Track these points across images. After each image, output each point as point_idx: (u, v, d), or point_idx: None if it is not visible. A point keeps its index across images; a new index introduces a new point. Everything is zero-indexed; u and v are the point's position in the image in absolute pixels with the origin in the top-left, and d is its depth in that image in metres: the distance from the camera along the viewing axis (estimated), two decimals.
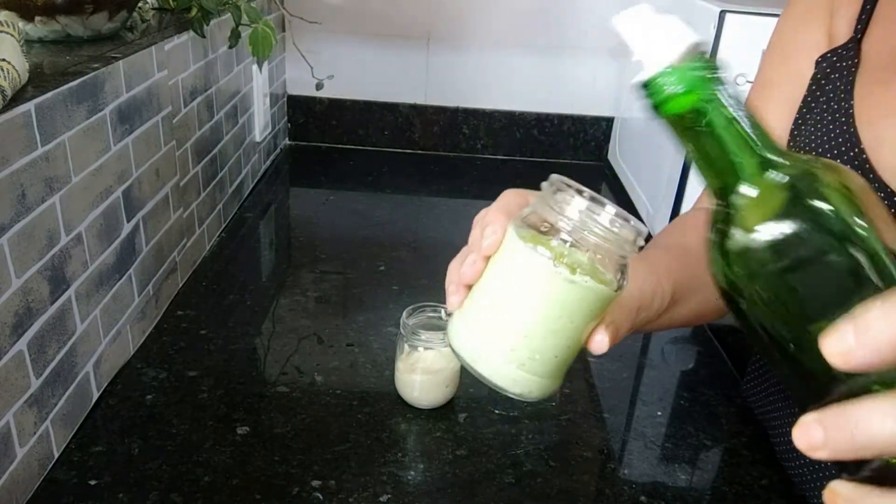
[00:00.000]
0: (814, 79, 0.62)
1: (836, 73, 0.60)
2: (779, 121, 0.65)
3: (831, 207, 0.32)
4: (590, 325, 0.42)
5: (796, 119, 0.62)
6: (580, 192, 0.40)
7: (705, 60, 0.34)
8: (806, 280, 0.32)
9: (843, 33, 0.61)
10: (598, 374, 0.82)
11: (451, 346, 0.44)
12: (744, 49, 0.96)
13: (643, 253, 0.54)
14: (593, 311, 0.41)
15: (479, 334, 0.42)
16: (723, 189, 0.35)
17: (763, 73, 0.69)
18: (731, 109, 0.34)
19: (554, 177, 0.42)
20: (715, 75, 0.34)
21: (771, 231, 0.32)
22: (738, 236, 0.33)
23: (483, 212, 0.46)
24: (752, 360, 0.76)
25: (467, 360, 0.43)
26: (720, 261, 0.34)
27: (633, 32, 0.36)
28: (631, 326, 0.47)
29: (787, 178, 0.33)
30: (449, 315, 0.46)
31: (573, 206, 0.40)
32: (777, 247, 0.32)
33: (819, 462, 0.61)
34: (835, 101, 0.59)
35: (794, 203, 0.33)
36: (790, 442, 0.64)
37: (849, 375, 0.30)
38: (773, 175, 0.34)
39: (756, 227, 0.33)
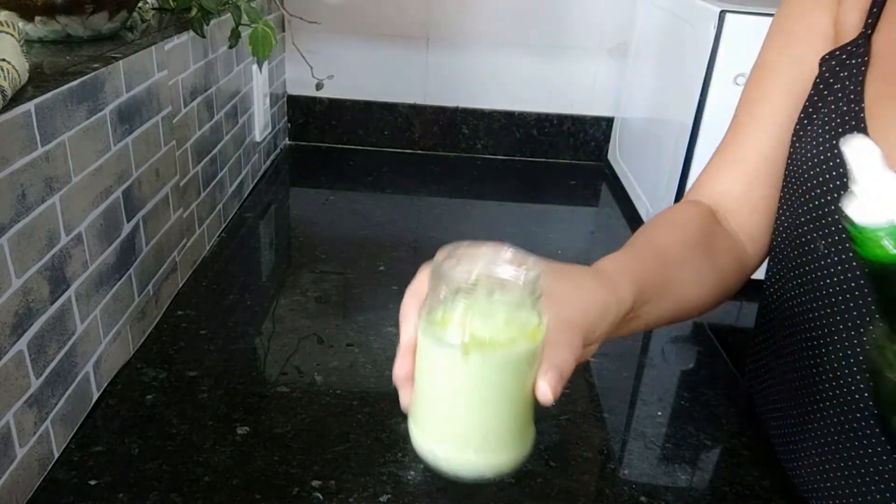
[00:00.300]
0: (821, 77, 0.59)
1: (845, 71, 0.57)
2: (778, 108, 0.63)
3: None
4: (528, 378, 0.40)
5: (801, 119, 0.60)
6: (458, 261, 0.40)
7: None
8: None
9: (851, 25, 0.58)
10: (598, 374, 0.82)
11: (414, 446, 0.44)
12: (744, 49, 0.95)
13: (608, 256, 0.53)
14: (522, 369, 0.40)
15: (429, 433, 0.43)
16: None
17: (764, 56, 0.66)
18: None
19: (438, 254, 0.42)
20: None
21: None
22: None
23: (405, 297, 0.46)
24: (749, 360, 0.75)
25: (430, 463, 0.43)
26: None
27: (863, 166, 0.37)
28: (584, 349, 0.45)
29: None
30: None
31: (455, 279, 0.39)
32: None
33: (819, 462, 0.61)
34: (844, 101, 0.56)
35: None
36: (791, 442, 0.65)
37: None
38: None
39: None
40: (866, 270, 0.37)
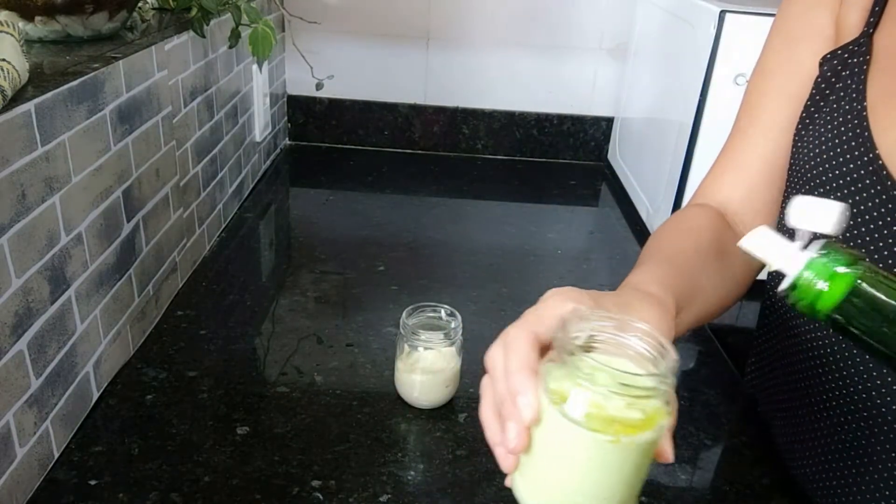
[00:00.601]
0: (822, 76, 0.59)
1: (847, 70, 0.57)
2: (778, 111, 0.63)
3: None
4: (652, 454, 0.40)
5: (803, 118, 0.60)
6: (591, 348, 0.39)
7: (836, 248, 0.35)
8: None
9: (853, 24, 0.58)
10: None
11: None
12: (744, 49, 0.96)
13: (641, 272, 0.53)
14: (652, 450, 0.40)
15: (551, 499, 0.41)
16: None
17: (763, 58, 0.66)
18: (886, 280, 0.35)
19: (559, 335, 0.40)
20: (852, 257, 0.35)
21: None
22: None
23: (497, 355, 0.42)
24: (752, 360, 0.75)
25: None
26: None
27: (762, 249, 0.38)
28: None
29: None
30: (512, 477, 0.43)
31: (592, 374, 0.38)
32: None
33: (825, 461, 0.61)
34: (846, 101, 0.56)
35: None
36: (796, 441, 0.64)
37: None
38: None
39: None
40: (843, 329, 0.36)
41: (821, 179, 0.57)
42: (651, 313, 0.46)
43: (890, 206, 0.52)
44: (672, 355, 0.39)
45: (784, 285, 0.37)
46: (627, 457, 0.39)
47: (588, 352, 0.39)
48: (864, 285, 0.35)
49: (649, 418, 0.38)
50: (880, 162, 0.52)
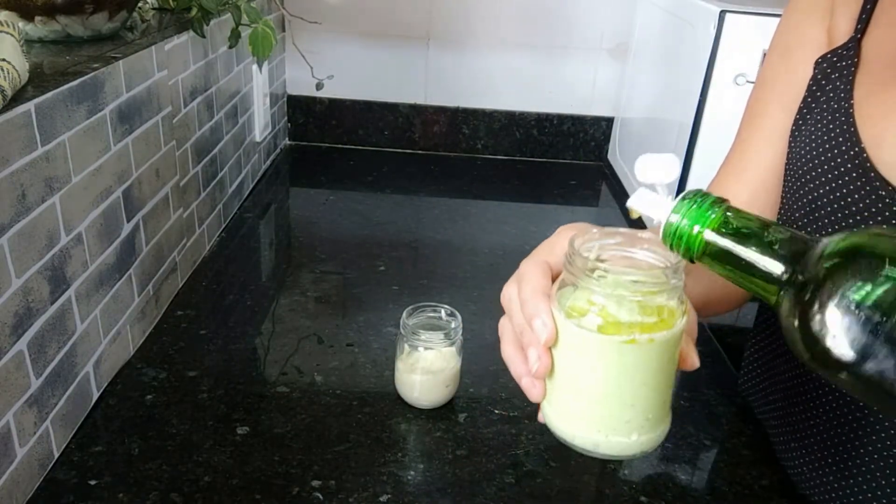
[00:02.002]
0: (814, 79, 0.62)
1: (836, 72, 0.60)
2: (777, 119, 0.65)
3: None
4: (678, 352, 0.43)
5: (796, 119, 0.62)
6: (598, 256, 0.41)
7: (697, 195, 0.38)
8: None
9: (843, 32, 0.61)
10: None
11: (560, 437, 0.44)
12: (744, 49, 0.96)
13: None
14: (675, 349, 0.42)
15: (588, 422, 0.42)
16: (779, 285, 0.36)
17: (763, 70, 0.69)
18: (744, 219, 0.37)
19: (568, 254, 0.42)
20: (711, 202, 0.38)
21: (861, 290, 0.33)
22: (829, 308, 0.34)
23: (511, 290, 0.44)
24: (745, 361, 0.76)
25: (589, 449, 0.43)
26: (820, 338, 0.34)
27: (644, 205, 0.40)
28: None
29: (843, 242, 0.35)
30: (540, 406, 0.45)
31: (598, 277, 0.40)
32: (872, 301, 0.32)
33: (821, 458, 0.61)
34: (835, 100, 0.59)
35: (862, 257, 0.34)
36: (792, 440, 0.65)
37: None
38: (826, 245, 0.35)
39: (841, 294, 0.33)
40: (722, 270, 0.39)
41: (811, 175, 0.59)
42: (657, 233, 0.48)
43: (874, 196, 0.55)
44: (679, 258, 0.41)
45: (661, 233, 0.39)
46: (647, 358, 0.41)
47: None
48: (729, 216, 0.38)
49: (664, 321, 0.40)
50: (865, 155, 0.55)
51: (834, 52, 0.61)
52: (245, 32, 0.98)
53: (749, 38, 0.95)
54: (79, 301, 0.66)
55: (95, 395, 0.71)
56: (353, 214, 1.20)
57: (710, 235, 0.38)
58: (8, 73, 0.54)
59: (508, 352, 0.44)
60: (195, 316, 0.87)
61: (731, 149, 0.70)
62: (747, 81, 0.96)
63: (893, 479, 0.56)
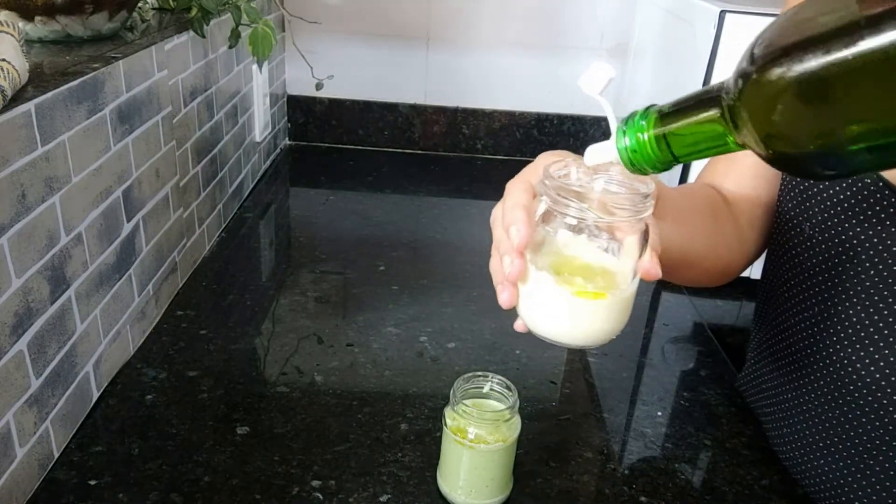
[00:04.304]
0: None
1: None
2: None
3: None
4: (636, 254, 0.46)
5: None
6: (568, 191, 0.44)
7: (629, 117, 0.41)
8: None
9: None
10: (598, 374, 0.82)
11: (536, 333, 0.48)
12: (744, 49, 0.96)
13: None
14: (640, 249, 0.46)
15: (560, 321, 0.46)
16: (728, 122, 0.37)
17: None
18: (669, 104, 0.40)
19: (542, 181, 0.45)
20: (640, 113, 0.40)
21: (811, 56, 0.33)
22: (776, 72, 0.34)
23: (497, 210, 0.48)
24: (748, 357, 0.76)
25: (567, 342, 0.47)
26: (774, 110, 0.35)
27: (598, 156, 0.44)
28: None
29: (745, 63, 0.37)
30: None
31: (571, 205, 0.43)
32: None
33: (820, 448, 0.62)
34: None
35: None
36: (790, 433, 0.65)
37: None
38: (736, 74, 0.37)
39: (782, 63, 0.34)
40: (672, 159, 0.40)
41: None
42: None
43: (865, 193, 0.55)
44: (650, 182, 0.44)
45: (624, 168, 0.42)
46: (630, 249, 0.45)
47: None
48: (660, 109, 0.40)
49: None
50: None
51: None
52: (245, 32, 0.98)
53: (749, 38, 0.95)
54: (79, 301, 0.66)
55: (95, 395, 0.71)
56: (353, 214, 1.20)
57: (657, 131, 0.39)
58: (8, 73, 0.54)
59: (492, 264, 0.48)
60: (195, 316, 0.87)
61: None
62: None
63: (892, 472, 0.57)
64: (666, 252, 0.53)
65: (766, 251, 0.70)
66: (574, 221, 0.44)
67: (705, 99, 0.38)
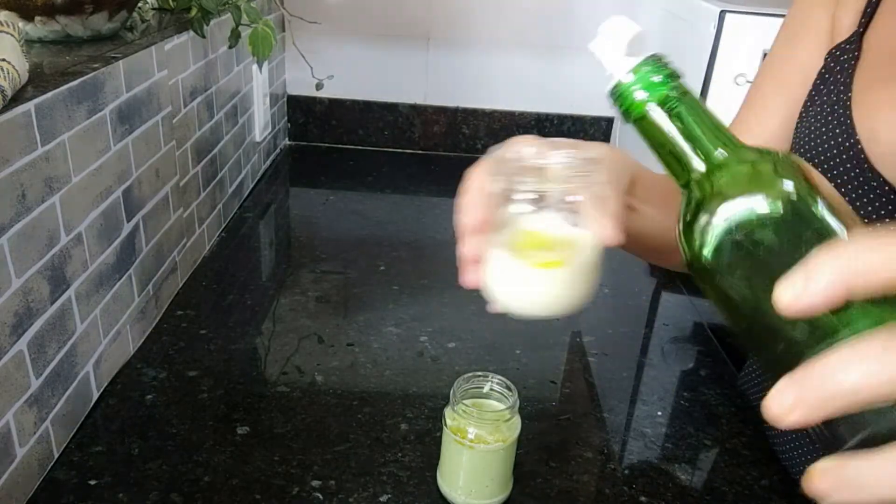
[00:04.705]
0: (819, 73, 0.63)
1: (838, 66, 0.61)
2: (778, 107, 0.66)
3: (792, 183, 0.34)
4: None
5: (805, 103, 0.64)
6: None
7: (656, 64, 0.38)
8: (771, 249, 0.34)
9: (847, 25, 0.62)
10: (598, 374, 0.82)
11: (506, 310, 0.50)
12: (744, 49, 0.96)
13: None
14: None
15: (521, 293, 0.48)
16: (690, 178, 0.37)
17: (770, 55, 0.70)
18: (687, 105, 0.38)
19: (495, 162, 0.47)
20: (667, 75, 0.38)
21: (739, 206, 0.34)
22: (708, 216, 0.35)
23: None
24: (750, 355, 0.76)
25: (531, 314, 0.49)
26: (693, 241, 0.36)
27: (603, 50, 0.41)
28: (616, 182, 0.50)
29: (750, 158, 0.36)
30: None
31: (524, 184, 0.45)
32: (745, 221, 0.34)
33: (817, 458, 0.61)
34: (835, 93, 0.60)
35: (758, 180, 0.35)
36: (787, 441, 0.65)
37: (816, 341, 0.31)
38: (734, 157, 0.36)
39: (725, 205, 0.35)
40: (646, 136, 0.40)
41: (812, 163, 0.60)
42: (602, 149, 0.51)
43: (867, 187, 0.56)
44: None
45: (609, 87, 0.40)
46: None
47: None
48: (674, 94, 0.38)
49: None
50: (860, 147, 0.56)
51: (838, 46, 0.62)
52: (245, 32, 0.98)
53: (749, 38, 0.95)
54: (79, 301, 0.66)
55: (95, 395, 0.71)
56: (353, 214, 1.20)
57: (653, 109, 0.38)
58: (8, 73, 0.54)
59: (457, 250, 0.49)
60: (195, 316, 0.87)
61: (735, 117, 0.71)
62: (747, 81, 0.96)
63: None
64: (649, 237, 0.54)
65: None
66: (528, 196, 0.45)
67: (700, 155, 0.37)
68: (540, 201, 0.45)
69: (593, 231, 0.45)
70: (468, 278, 0.49)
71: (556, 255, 0.46)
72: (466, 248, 0.48)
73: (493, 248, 0.47)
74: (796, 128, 0.63)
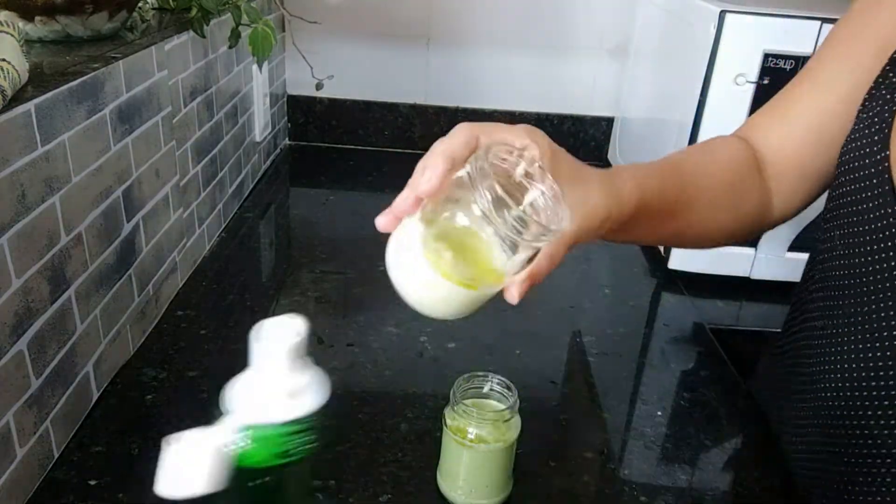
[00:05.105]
0: (882, 71, 0.59)
1: (894, 73, 0.58)
2: (813, 102, 0.63)
3: None
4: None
5: (858, 109, 0.60)
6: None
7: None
8: None
9: None
10: (598, 374, 0.82)
11: (389, 273, 0.49)
12: (744, 49, 0.96)
13: (627, 165, 0.57)
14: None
15: (409, 281, 0.48)
16: None
17: (818, 53, 0.66)
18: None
19: (481, 153, 0.44)
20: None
21: None
22: None
23: (435, 145, 0.47)
24: (762, 361, 0.75)
25: (403, 298, 0.48)
26: None
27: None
28: (572, 244, 0.49)
29: None
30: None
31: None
32: None
33: (830, 466, 0.60)
34: (883, 101, 0.57)
35: None
36: (799, 443, 0.64)
37: None
38: None
39: None
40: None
41: (845, 167, 0.58)
42: (591, 192, 0.50)
43: (884, 210, 0.54)
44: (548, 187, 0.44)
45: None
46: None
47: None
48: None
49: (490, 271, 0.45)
50: (886, 164, 0.54)
51: None
52: (245, 32, 0.98)
53: (749, 38, 0.95)
54: (79, 301, 0.66)
55: (95, 395, 0.71)
56: (353, 214, 1.20)
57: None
58: (8, 73, 0.54)
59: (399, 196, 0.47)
60: (195, 316, 0.87)
61: (786, 88, 0.67)
62: (747, 81, 0.96)
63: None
64: (658, 236, 0.56)
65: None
66: (477, 212, 0.42)
67: None
68: (488, 216, 0.42)
69: (509, 277, 0.45)
70: (382, 222, 0.48)
71: (464, 274, 0.45)
72: (404, 204, 0.45)
73: (417, 222, 0.45)
74: (856, 120, 0.59)
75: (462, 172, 0.44)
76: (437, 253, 0.44)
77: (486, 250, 0.45)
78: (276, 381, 0.45)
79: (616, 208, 0.51)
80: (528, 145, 0.46)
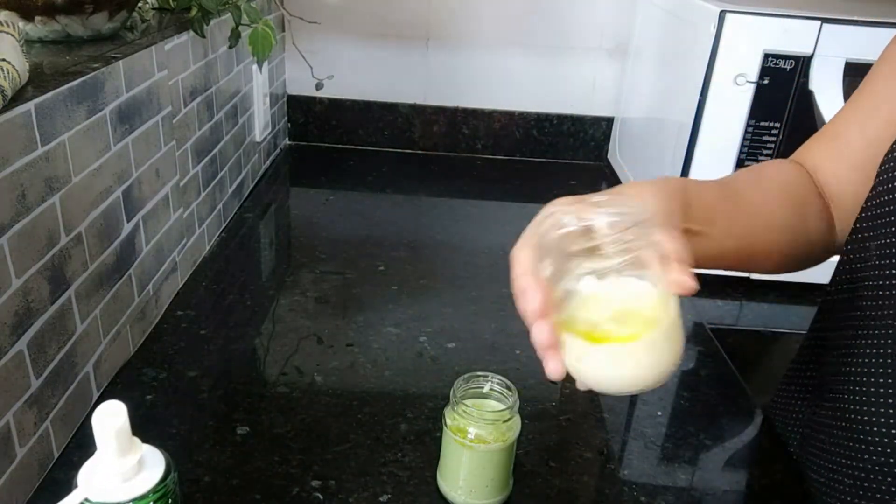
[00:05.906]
0: None
1: None
2: (881, 99, 0.61)
3: None
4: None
5: None
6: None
7: None
8: None
9: None
10: None
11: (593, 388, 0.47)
12: (744, 49, 0.96)
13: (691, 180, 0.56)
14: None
15: (605, 372, 0.45)
16: None
17: (869, 80, 0.64)
18: None
19: (541, 245, 0.45)
20: None
21: None
22: None
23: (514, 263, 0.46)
24: (783, 380, 0.73)
25: (623, 391, 0.46)
26: None
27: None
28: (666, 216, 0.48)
29: None
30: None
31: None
32: None
33: (846, 470, 0.59)
34: None
35: None
36: (814, 446, 0.62)
37: None
38: None
39: None
40: None
41: (885, 177, 0.56)
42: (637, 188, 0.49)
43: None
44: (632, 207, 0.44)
45: None
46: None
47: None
48: None
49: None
50: None
51: None
52: (245, 32, 0.98)
53: (749, 38, 0.95)
54: (79, 301, 0.66)
55: (95, 395, 0.71)
56: (353, 214, 1.20)
57: None
58: (8, 73, 0.54)
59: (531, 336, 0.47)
60: (195, 316, 0.87)
61: (841, 112, 0.66)
62: (747, 81, 0.96)
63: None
64: (723, 255, 0.52)
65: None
66: (583, 281, 0.42)
67: None
68: (595, 268, 0.42)
69: (665, 287, 0.42)
70: (552, 367, 0.46)
71: (631, 327, 0.43)
72: (539, 335, 0.45)
73: (568, 331, 0.44)
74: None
75: (546, 272, 0.44)
76: (604, 330, 0.43)
77: (625, 292, 0.44)
78: (108, 464, 0.44)
79: (670, 198, 0.50)
80: (557, 205, 0.46)
